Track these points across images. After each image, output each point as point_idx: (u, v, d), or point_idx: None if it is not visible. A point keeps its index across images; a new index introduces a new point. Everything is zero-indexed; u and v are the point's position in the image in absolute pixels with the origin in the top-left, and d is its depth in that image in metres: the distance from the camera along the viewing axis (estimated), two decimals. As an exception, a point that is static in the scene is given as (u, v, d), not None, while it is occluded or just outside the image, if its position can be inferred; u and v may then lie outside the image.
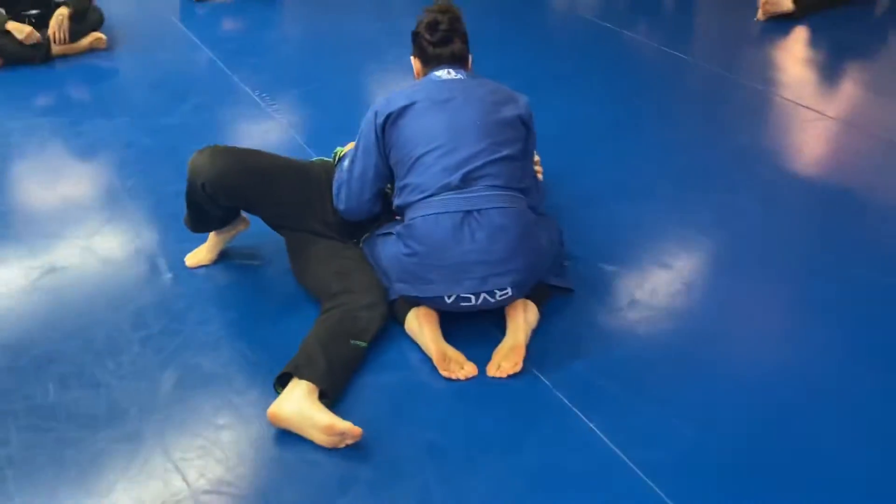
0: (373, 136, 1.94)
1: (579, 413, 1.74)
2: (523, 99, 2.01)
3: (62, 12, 3.56)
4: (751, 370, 1.87)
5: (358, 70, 3.59)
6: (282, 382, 1.74)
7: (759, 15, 4.01)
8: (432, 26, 1.99)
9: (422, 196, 1.84)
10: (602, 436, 1.68)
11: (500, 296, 1.84)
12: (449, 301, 1.85)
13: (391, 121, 1.91)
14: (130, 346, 1.93)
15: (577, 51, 3.92)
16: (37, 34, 3.54)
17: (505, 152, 1.87)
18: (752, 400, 1.78)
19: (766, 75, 3.54)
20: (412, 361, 1.89)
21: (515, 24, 4.20)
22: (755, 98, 3.32)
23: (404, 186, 1.89)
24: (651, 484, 1.56)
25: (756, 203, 2.53)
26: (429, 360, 1.86)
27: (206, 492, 1.55)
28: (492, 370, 1.84)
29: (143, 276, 2.19)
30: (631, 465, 1.62)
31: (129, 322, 2.01)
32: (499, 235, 1.80)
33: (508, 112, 1.93)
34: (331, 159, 2.23)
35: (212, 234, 2.22)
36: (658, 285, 2.15)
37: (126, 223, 2.44)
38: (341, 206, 2.02)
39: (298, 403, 1.66)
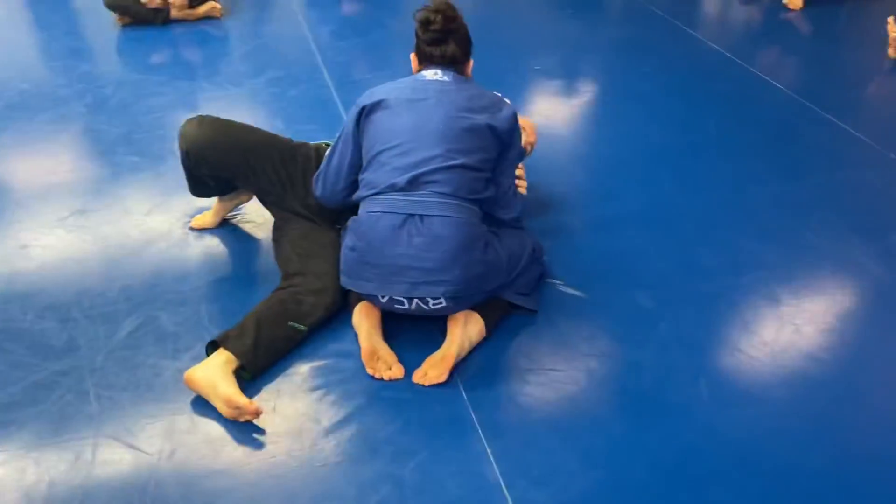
0: (351, 126, 1.96)
1: (482, 436, 1.69)
2: (508, 110, 1.95)
3: (182, -21, 3.88)
4: (677, 425, 1.73)
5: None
6: (214, 349, 1.82)
7: (890, 52, 3.58)
8: (424, 24, 1.98)
9: (371, 192, 1.85)
10: (494, 464, 1.63)
11: (434, 304, 1.82)
12: (383, 301, 1.85)
13: (365, 114, 1.93)
14: (109, 292, 2.10)
15: (697, 81, 3.70)
16: (157, 1, 3.88)
17: (460, 160, 1.83)
18: (657, 454, 1.66)
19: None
20: (355, 353, 1.91)
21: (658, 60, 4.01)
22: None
23: (361, 181, 1.90)
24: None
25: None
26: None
27: (109, 436, 1.67)
28: (417, 376, 1.83)
29: (152, 231, 2.36)
30: (508, 499, 1.55)
31: (118, 269, 2.19)
32: (436, 244, 1.77)
33: (479, 120, 1.88)
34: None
35: (216, 201, 2.35)
36: (628, 323, 2.02)
37: (154, 180, 2.60)
38: (317, 193, 2.07)
39: (211, 371, 1.73)
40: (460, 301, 1.84)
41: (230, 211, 2.39)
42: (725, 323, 2.04)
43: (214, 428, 1.70)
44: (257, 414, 1.69)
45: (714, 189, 2.62)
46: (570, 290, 2.11)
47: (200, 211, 2.41)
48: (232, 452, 1.65)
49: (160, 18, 3.95)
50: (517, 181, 2.04)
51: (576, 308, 2.08)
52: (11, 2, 4.38)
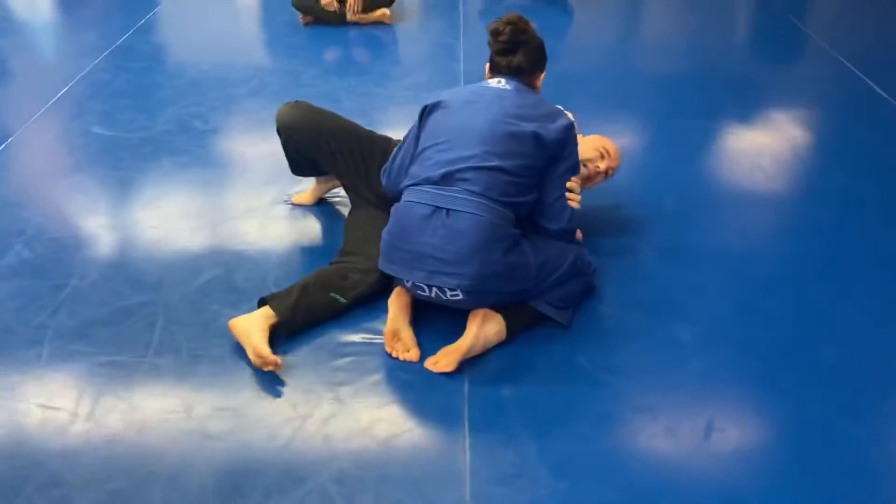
0: (415, 125, 2.11)
1: (467, 428, 1.76)
2: (562, 123, 1.99)
3: (361, -16, 4.26)
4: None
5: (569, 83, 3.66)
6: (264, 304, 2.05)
7: None
8: (494, 35, 2.08)
9: (410, 183, 1.98)
10: (467, 454, 1.69)
11: (451, 295, 1.91)
12: (408, 285, 1.97)
13: (427, 112, 2.07)
14: (201, 248, 2.42)
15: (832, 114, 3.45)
16: (335, 3, 4.28)
17: (495, 163, 1.90)
18: (631, 481, 1.62)
19: None
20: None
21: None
22: None
23: (408, 172, 2.03)
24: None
25: None
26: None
27: (155, 357, 1.96)
28: (429, 362, 1.93)
29: (258, 202, 2.65)
30: (466, 488, 1.61)
31: (217, 231, 2.50)
32: (456, 238, 1.86)
33: (526, 127, 1.94)
34: None
35: (314, 181, 2.60)
36: (660, 354, 1.98)
37: (271, 158, 2.85)
38: (383, 184, 2.23)
39: (251, 322, 1.95)
40: (476, 297, 1.91)
41: (326, 192, 2.63)
42: (754, 372, 1.93)
43: (240, 372, 1.92)
44: (277, 366, 1.89)
45: (812, 236, 2.45)
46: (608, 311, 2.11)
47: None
48: (238, 393, 1.85)
49: (336, 20, 4.36)
50: (569, 194, 2.06)
51: (613, 329, 2.07)
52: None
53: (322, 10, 4.31)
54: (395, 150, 2.20)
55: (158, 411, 1.81)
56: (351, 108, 3.32)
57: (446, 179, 1.92)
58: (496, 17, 2.08)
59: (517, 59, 2.09)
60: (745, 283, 2.24)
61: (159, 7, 4.74)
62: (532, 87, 2.15)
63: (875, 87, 3.56)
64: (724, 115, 3.33)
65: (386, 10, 4.38)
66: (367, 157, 2.31)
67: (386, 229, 2.01)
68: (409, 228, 1.92)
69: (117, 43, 4.14)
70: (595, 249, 2.36)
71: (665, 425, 1.77)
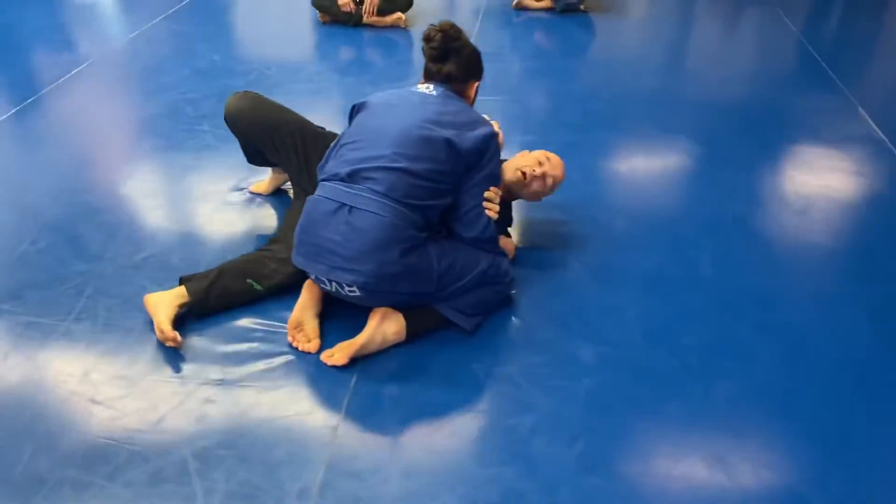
0: (347, 123, 2.16)
1: (342, 419, 1.80)
2: (481, 131, 2.01)
3: (376, -10, 4.34)
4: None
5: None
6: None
7: None
8: (425, 41, 2.12)
9: (322, 178, 2.03)
10: (334, 443, 1.73)
11: (349, 291, 1.94)
12: (312, 277, 2.01)
13: (354, 113, 2.13)
14: (149, 226, 2.53)
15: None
16: (352, 4, 4.37)
17: (403, 164, 1.93)
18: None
19: None
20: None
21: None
22: None
23: (321, 168, 2.08)
24: None
25: None
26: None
27: (78, 319, 2.06)
28: (324, 354, 1.97)
29: (215, 190, 2.74)
30: (319, 475, 1.64)
31: (170, 212, 2.61)
32: (356, 235, 1.90)
33: (441, 133, 1.97)
34: None
35: (271, 171, 2.67)
36: (563, 372, 1.97)
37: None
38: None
39: (162, 298, 2.04)
40: (374, 294, 1.94)
41: (283, 183, 2.70)
42: (640, 399, 1.90)
43: (144, 345, 2.01)
44: (177, 343, 1.97)
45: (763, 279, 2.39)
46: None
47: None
48: (135, 364, 1.94)
49: (352, 21, 4.45)
50: (486, 204, 2.08)
51: (517, 340, 2.07)
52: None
53: (339, 10, 4.42)
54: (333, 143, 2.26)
55: (58, 373, 1.91)
56: (340, 104, 3.40)
57: (353, 177, 1.96)
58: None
59: (447, 66, 2.12)
60: (666, 312, 2.20)
61: (192, -3, 4.95)
62: (463, 94, 2.17)
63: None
64: (720, 138, 3.27)
65: (401, 14, 4.45)
66: (310, 152, 2.36)
67: (298, 222, 2.06)
68: (315, 222, 1.97)
69: (142, 28, 4.34)
70: (527, 260, 2.37)
71: (526, 439, 1.77)
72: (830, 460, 1.74)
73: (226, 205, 2.66)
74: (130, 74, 3.76)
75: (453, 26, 2.12)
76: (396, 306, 2.00)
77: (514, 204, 2.48)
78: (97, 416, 1.79)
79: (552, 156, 2.38)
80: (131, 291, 2.19)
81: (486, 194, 2.07)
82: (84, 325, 2.07)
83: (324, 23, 4.53)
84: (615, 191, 2.84)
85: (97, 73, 3.76)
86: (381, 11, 4.42)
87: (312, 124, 2.43)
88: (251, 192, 2.72)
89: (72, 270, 2.28)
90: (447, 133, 1.98)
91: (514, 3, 4.84)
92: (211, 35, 4.40)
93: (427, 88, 2.11)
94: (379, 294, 1.95)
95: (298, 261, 2.02)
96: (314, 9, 4.52)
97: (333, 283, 1.96)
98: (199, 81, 3.63)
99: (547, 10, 4.81)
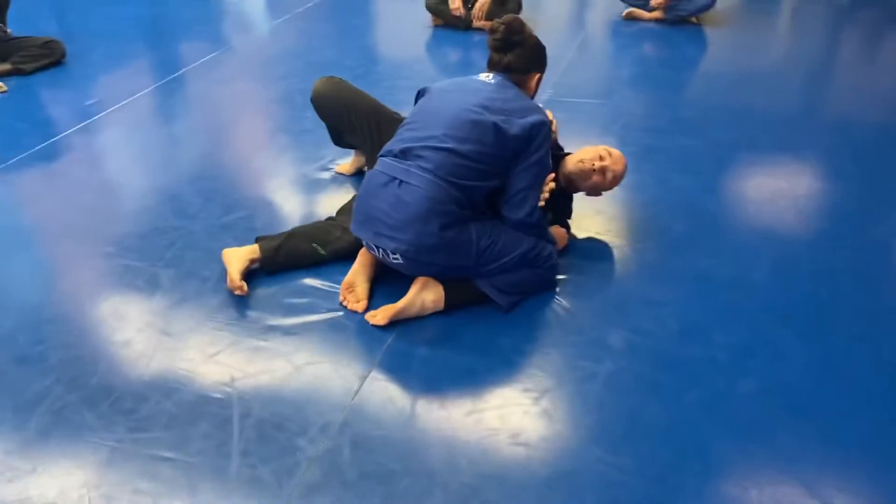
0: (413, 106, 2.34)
1: (371, 375, 1.95)
2: (532, 118, 2.12)
3: (486, -6, 4.53)
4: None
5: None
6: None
7: None
8: (490, 33, 2.26)
9: (380, 154, 2.20)
10: (355, 398, 1.89)
11: (392, 258, 2.10)
12: (364, 244, 2.19)
13: (417, 97, 2.32)
14: (245, 196, 2.81)
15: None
16: (462, 9, 4.57)
17: (450, 145, 2.07)
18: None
19: None
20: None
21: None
22: None
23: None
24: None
25: None
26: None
27: (165, 266, 2.35)
28: (368, 314, 2.14)
29: (310, 168, 3.00)
30: (335, 425, 1.81)
31: (264, 185, 2.89)
32: (401, 207, 2.05)
33: (490, 118, 2.09)
34: None
35: (354, 153, 2.89)
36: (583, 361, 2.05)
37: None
38: None
39: (236, 253, 2.29)
40: (414, 263, 2.10)
41: (365, 165, 2.91)
42: (654, 385, 1.93)
43: (215, 292, 2.26)
44: (243, 291, 2.21)
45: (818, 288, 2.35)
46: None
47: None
48: (206, 308, 2.19)
49: (462, 24, 4.65)
50: (542, 188, 2.19)
51: (551, 322, 2.16)
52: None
53: (449, 15, 4.63)
54: None
55: (140, 307, 2.20)
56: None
57: (405, 154, 2.12)
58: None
59: (507, 57, 2.25)
60: (706, 309, 2.21)
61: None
62: (524, 85, 2.29)
63: None
64: (804, 153, 3.19)
65: (508, 20, 4.61)
66: (384, 133, 2.55)
67: (357, 193, 2.25)
68: (369, 193, 2.15)
69: (274, 23, 4.74)
70: (580, 250, 2.46)
71: (542, 407, 1.85)
72: (850, 462, 1.71)
73: (312, 181, 2.91)
74: (256, 62, 4.15)
75: (517, 19, 2.25)
76: (436, 277, 2.15)
77: (576, 197, 2.57)
78: (165, 344, 2.05)
79: (614, 151, 2.45)
80: (215, 247, 2.46)
81: (547, 180, 2.18)
82: (169, 272, 2.35)
83: (436, 26, 4.77)
84: (684, 195, 2.84)
85: (229, 59, 4.19)
86: (491, 16, 4.59)
87: (387, 108, 2.62)
88: (336, 172, 2.95)
89: (169, 225, 2.60)
90: (496, 118, 2.10)
91: (625, 13, 4.89)
92: (330, 32, 4.74)
93: (487, 77, 2.25)
94: (418, 263, 2.10)
95: (353, 227, 2.21)
96: (428, 12, 4.78)
97: (380, 250, 2.13)
98: (312, 73, 3.93)
99: (658, 21, 4.82)
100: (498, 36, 2.24)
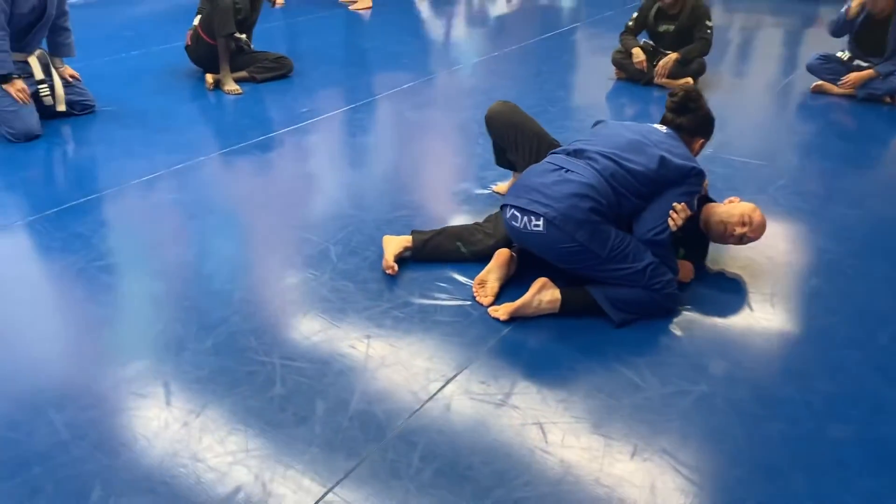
0: None
1: (481, 356, 2.22)
2: (691, 164, 2.42)
3: (672, 56, 4.70)
4: None
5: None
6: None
7: None
8: (670, 95, 2.62)
9: (552, 152, 2.59)
10: (465, 372, 2.16)
11: (534, 226, 2.37)
12: (507, 217, 2.48)
13: (594, 125, 2.74)
14: (405, 204, 3.21)
15: None
16: (645, 63, 4.79)
17: (619, 160, 2.38)
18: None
19: None
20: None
21: None
22: None
23: None
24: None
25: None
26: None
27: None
28: (491, 308, 2.43)
29: (472, 184, 3.36)
30: (436, 391, 2.09)
31: (424, 195, 3.27)
32: (563, 184, 2.37)
33: (658, 150, 2.40)
34: None
35: (513, 174, 3.20)
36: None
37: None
38: None
39: (393, 240, 2.69)
40: (555, 231, 2.32)
41: (522, 187, 3.22)
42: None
43: (372, 269, 2.65)
44: (393, 271, 2.59)
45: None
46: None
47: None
48: (359, 279, 2.58)
49: (644, 79, 4.86)
50: (672, 213, 2.39)
51: (657, 344, 2.31)
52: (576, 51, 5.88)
53: (633, 68, 4.86)
54: None
55: (305, 275, 2.63)
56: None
57: (577, 153, 2.47)
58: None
59: (680, 118, 2.57)
60: (817, 361, 2.26)
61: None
62: (687, 145, 2.56)
63: None
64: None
65: (690, 79, 4.75)
66: (542, 157, 2.82)
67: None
68: (532, 173, 2.50)
69: (476, 60, 5.22)
70: (709, 282, 2.61)
71: (628, 409, 2.02)
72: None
73: (471, 195, 3.26)
74: (447, 93, 4.63)
75: (695, 90, 2.59)
76: (566, 259, 2.39)
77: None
78: (323, 299, 2.47)
79: (756, 218, 2.57)
80: (378, 235, 2.86)
81: (676, 204, 2.39)
82: (337, 248, 2.79)
83: (619, 79, 5.02)
84: (825, 257, 2.86)
85: (425, 89, 4.70)
86: (673, 75, 4.77)
87: (550, 135, 2.93)
88: (493, 191, 3.29)
89: (345, 213, 3.06)
90: (663, 152, 2.40)
91: (813, 86, 4.86)
92: (518, 75, 5.16)
93: (660, 127, 2.57)
94: (558, 234, 2.33)
95: (507, 198, 2.51)
96: (613, 65, 5.04)
97: (525, 217, 2.39)
98: (472, 107, 4.35)
99: (847, 96, 4.74)
100: (676, 100, 2.56)
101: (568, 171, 2.41)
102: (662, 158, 2.38)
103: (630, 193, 2.38)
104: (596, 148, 2.46)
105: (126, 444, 1.88)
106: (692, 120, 2.59)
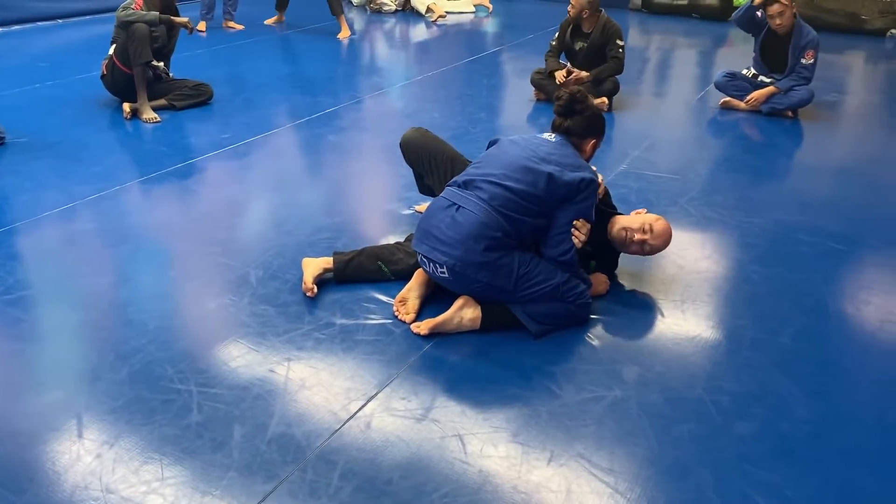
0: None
1: (402, 373, 2.25)
2: (581, 174, 2.44)
3: (584, 74, 4.86)
4: None
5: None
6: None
7: None
8: (555, 99, 2.66)
9: (447, 185, 2.60)
10: (386, 390, 2.18)
11: (440, 272, 2.42)
12: (419, 259, 2.52)
13: (489, 146, 2.73)
14: (334, 223, 3.23)
15: None
16: (564, 81, 4.95)
17: (507, 183, 2.41)
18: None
19: None
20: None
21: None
22: None
23: None
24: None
25: None
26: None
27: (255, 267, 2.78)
28: (413, 325, 2.46)
29: (395, 205, 3.40)
30: (356, 411, 2.10)
31: (348, 213, 3.29)
32: (455, 227, 2.39)
33: (545, 168, 2.43)
34: None
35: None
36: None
37: None
38: None
39: (312, 262, 2.69)
40: (459, 278, 2.39)
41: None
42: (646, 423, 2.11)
43: (292, 291, 2.65)
44: (312, 293, 2.59)
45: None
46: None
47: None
48: (280, 301, 2.57)
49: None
50: (573, 230, 2.45)
51: (574, 353, 2.38)
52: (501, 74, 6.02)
53: (551, 89, 4.99)
54: None
55: (228, 298, 2.61)
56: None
57: (467, 185, 2.48)
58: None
59: (568, 121, 2.60)
60: (727, 362, 2.37)
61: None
62: (580, 148, 2.61)
63: None
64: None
65: (605, 99, 4.91)
66: (454, 175, 2.90)
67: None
68: (430, 214, 2.51)
69: (405, 82, 5.28)
70: (622, 297, 2.69)
71: (545, 417, 2.07)
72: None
73: (395, 216, 3.30)
74: (372, 117, 4.68)
75: (581, 92, 2.60)
76: (476, 296, 2.44)
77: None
78: (241, 323, 2.45)
79: (658, 226, 2.64)
80: (299, 257, 2.85)
81: (575, 222, 2.45)
82: (257, 273, 2.77)
83: (538, 100, 5.15)
84: (732, 264, 3.00)
85: (349, 112, 4.73)
86: (595, 94, 4.93)
87: (463, 157, 2.99)
88: (415, 211, 3.32)
89: (266, 237, 3.05)
90: (551, 168, 2.43)
91: (721, 101, 5.09)
92: (442, 98, 5.24)
93: (549, 136, 2.60)
94: (463, 278, 2.39)
95: (413, 242, 2.55)
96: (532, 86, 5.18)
97: (432, 264, 2.45)
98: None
99: (753, 112, 4.98)
100: (561, 102, 2.59)
101: (459, 208, 2.41)
102: (550, 176, 2.41)
103: (524, 215, 2.41)
104: (484, 174, 2.47)
105: (33, 479, 1.83)
106: (580, 122, 2.60)
